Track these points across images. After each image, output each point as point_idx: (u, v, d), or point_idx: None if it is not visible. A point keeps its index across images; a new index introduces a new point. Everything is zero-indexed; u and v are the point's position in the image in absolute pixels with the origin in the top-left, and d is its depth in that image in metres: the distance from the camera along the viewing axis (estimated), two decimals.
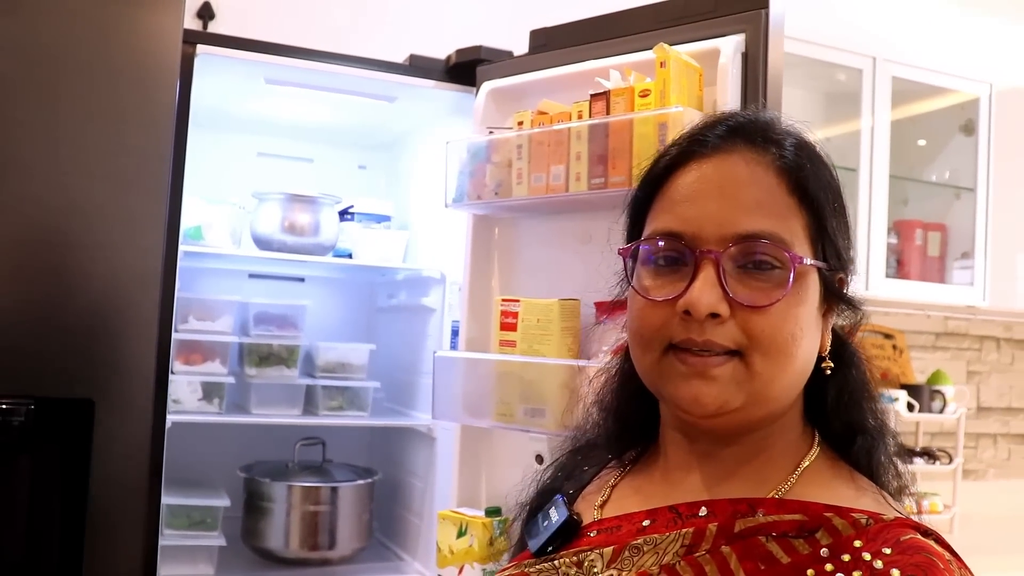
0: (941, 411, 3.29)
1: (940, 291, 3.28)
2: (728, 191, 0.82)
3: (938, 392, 3.30)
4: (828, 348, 0.86)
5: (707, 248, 0.80)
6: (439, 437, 2.25)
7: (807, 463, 0.85)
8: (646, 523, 0.85)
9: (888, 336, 3.46)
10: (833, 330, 0.88)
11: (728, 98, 1.55)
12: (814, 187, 0.83)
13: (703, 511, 0.82)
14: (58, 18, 1.69)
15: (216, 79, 2.05)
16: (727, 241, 0.80)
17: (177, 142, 1.83)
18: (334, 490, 2.29)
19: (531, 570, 0.88)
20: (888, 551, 0.73)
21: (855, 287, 0.89)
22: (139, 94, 1.76)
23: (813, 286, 0.83)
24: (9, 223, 1.67)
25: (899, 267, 3.28)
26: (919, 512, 0.80)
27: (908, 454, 3.21)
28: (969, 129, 3.31)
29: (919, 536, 0.76)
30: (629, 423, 0.96)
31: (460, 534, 1.77)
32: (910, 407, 3.20)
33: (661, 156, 0.88)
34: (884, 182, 3.04)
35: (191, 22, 2.57)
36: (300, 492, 2.26)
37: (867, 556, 0.73)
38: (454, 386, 1.85)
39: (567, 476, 0.99)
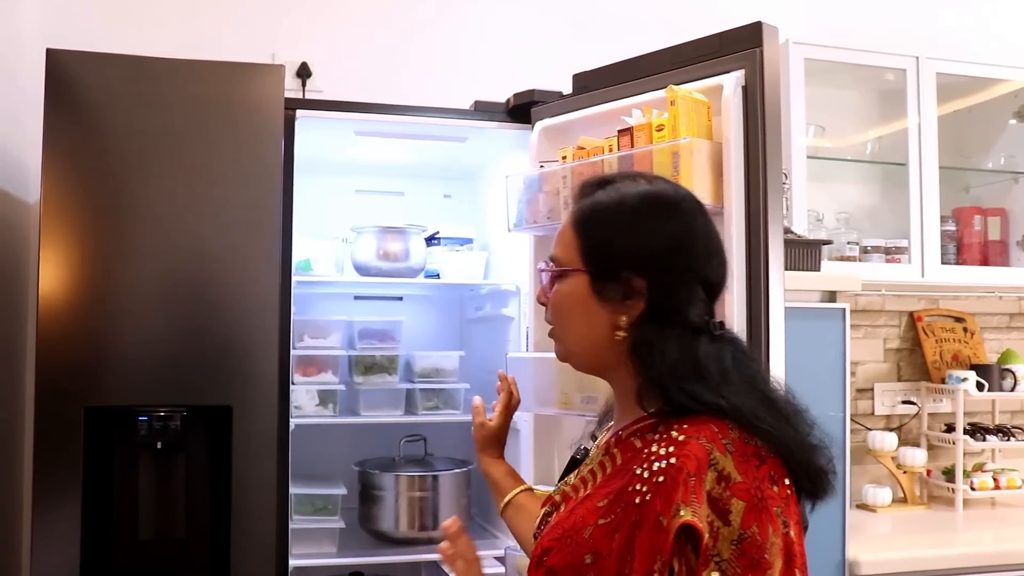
0: (1012, 389, 3.38)
1: (999, 274, 3.38)
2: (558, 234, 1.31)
3: (1008, 371, 3.38)
4: (622, 325, 1.21)
5: (542, 269, 1.32)
6: (521, 429, 2.57)
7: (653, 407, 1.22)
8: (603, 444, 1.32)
9: (959, 319, 3.58)
10: (645, 320, 1.21)
11: (732, 125, 1.83)
12: (590, 223, 1.25)
13: (612, 437, 1.29)
14: (186, 104, 2.11)
15: (314, 135, 2.42)
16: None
17: (285, 191, 2.22)
18: (435, 478, 2.64)
19: (559, 484, 1.37)
20: (687, 426, 1.15)
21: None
22: (253, 155, 2.15)
23: (577, 285, 1.25)
24: (159, 268, 2.09)
25: (959, 253, 3.42)
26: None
27: (982, 432, 3.35)
28: (1022, 115, 3.42)
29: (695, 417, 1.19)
30: None
31: None
32: (979, 386, 3.31)
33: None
34: (934, 175, 3.16)
35: (292, 80, 2.97)
36: (406, 480, 2.61)
37: (674, 434, 1.15)
38: (524, 381, 2.16)
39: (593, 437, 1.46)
